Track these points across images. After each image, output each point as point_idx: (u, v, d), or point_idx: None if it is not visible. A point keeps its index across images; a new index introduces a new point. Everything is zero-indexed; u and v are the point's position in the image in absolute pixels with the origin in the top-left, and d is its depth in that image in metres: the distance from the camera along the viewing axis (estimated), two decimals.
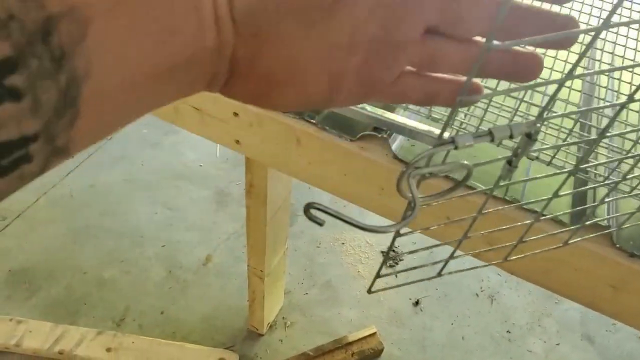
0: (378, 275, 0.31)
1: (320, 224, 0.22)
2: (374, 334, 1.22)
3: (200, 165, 1.65)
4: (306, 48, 0.21)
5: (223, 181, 1.60)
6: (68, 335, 1.15)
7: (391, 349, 1.23)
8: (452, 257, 0.36)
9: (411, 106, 0.59)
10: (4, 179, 0.15)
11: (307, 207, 0.22)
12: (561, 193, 0.28)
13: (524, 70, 0.24)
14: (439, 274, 0.39)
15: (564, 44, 0.24)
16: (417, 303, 1.33)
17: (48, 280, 1.30)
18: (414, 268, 0.33)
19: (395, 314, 1.30)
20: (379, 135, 0.58)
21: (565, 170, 0.33)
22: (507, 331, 1.30)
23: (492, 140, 0.21)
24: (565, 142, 0.50)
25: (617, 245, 0.51)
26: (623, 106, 0.23)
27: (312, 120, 0.59)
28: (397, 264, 1.41)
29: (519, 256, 0.37)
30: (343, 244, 1.45)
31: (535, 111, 0.58)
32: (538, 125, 0.22)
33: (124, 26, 0.16)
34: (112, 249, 1.39)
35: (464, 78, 0.25)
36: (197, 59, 0.19)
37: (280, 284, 1.20)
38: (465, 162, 0.23)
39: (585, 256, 0.52)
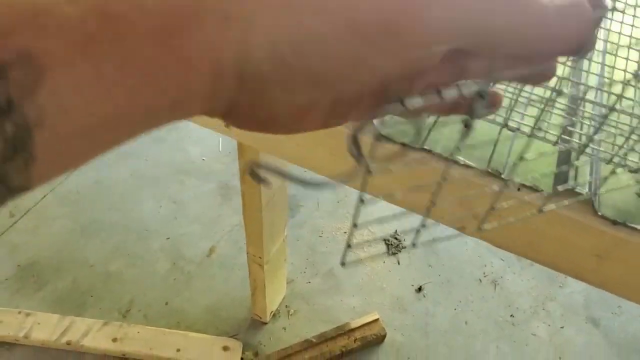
0: (348, 246, 0.31)
1: (266, 182, 0.23)
2: (377, 320, 1.23)
3: (204, 159, 1.67)
4: (315, 101, 0.20)
5: (226, 174, 1.61)
6: (75, 327, 1.17)
7: (394, 334, 1.24)
8: (423, 225, 0.37)
9: None
10: None
11: (251, 167, 0.22)
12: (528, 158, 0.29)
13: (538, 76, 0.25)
14: (413, 244, 0.39)
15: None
16: (419, 289, 1.34)
17: (56, 273, 1.32)
18: (379, 233, 0.33)
19: (397, 301, 1.31)
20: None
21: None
22: (511, 315, 1.30)
23: (441, 100, 0.21)
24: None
25: (600, 214, 0.51)
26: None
27: None
28: (399, 251, 1.42)
29: (494, 224, 0.37)
30: (345, 232, 1.46)
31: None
32: (490, 84, 0.22)
33: (90, 75, 0.14)
34: (117, 242, 1.41)
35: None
36: (180, 106, 0.17)
37: (282, 272, 1.21)
38: (416, 121, 0.23)
39: (567, 225, 0.52)
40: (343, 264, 0.32)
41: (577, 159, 0.47)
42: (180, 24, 0.15)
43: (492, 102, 0.23)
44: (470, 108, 0.23)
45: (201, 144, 1.72)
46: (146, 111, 0.16)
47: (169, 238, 1.42)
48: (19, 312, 1.19)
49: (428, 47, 0.19)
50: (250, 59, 0.17)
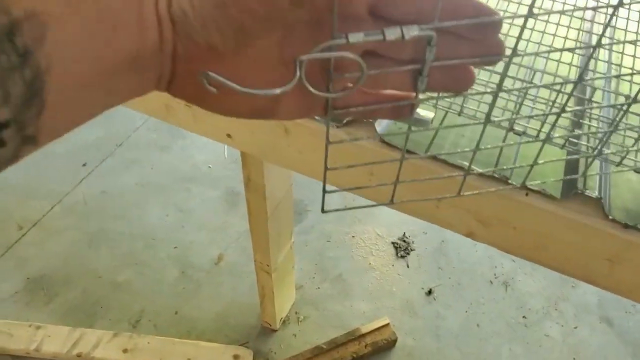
0: (325, 191, 0.31)
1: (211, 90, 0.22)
2: (387, 324, 1.22)
3: (210, 167, 1.67)
4: (240, 63, 0.22)
5: (232, 181, 1.61)
6: (85, 338, 1.17)
7: (405, 339, 1.23)
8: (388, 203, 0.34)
9: None
10: None
11: (203, 76, 0.22)
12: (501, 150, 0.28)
13: (458, 84, 0.25)
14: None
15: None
16: (430, 292, 1.32)
17: (65, 285, 1.33)
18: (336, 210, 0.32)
19: (408, 304, 1.30)
20: (365, 120, 0.57)
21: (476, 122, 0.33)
22: (523, 316, 1.29)
23: (383, 39, 0.21)
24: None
25: (610, 217, 0.50)
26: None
27: None
28: (408, 254, 1.40)
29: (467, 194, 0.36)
30: (353, 237, 1.45)
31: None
32: (432, 33, 0.21)
33: (76, 28, 0.18)
34: (126, 252, 1.41)
35: (402, 93, 0.26)
36: (141, 55, 0.20)
37: (290, 279, 1.20)
38: (352, 55, 0.22)
39: (578, 229, 0.51)
40: (323, 210, 0.31)
41: (589, 165, 0.46)
42: None
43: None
44: (423, 59, 0.23)
45: (207, 152, 1.71)
46: (118, 62, 0.20)
47: (176, 247, 1.42)
48: (30, 325, 1.19)
49: None
50: (176, 4, 0.20)
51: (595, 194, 0.51)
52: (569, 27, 0.66)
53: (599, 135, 0.54)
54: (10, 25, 0.16)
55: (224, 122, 0.66)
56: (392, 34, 0.21)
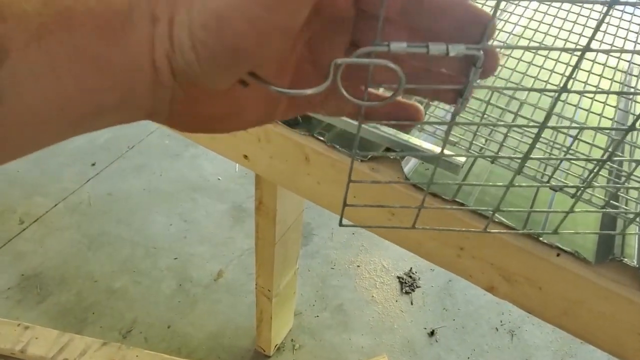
0: (345, 204, 0.28)
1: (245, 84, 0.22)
2: None
3: (219, 179, 1.64)
4: (241, 93, 0.22)
5: (240, 196, 1.58)
6: (73, 345, 1.13)
7: None
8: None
9: (426, 127, 0.56)
10: None
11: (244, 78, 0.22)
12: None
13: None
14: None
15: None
16: (432, 333, 1.27)
17: (59, 286, 1.29)
18: None
19: (408, 343, 1.25)
20: (391, 157, 0.54)
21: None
22: None
23: (427, 52, 0.20)
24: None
25: None
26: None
27: (321, 138, 0.56)
28: (413, 290, 1.36)
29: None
30: (358, 266, 1.41)
31: (561, 139, 0.54)
32: (480, 52, 0.20)
33: (40, 62, 0.16)
34: (125, 258, 1.38)
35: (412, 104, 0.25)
36: (125, 100, 0.19)
37: (290, 305, 1.16)
38: (393, 66, 0.20)
39: (611, 299, 0.47)
40: (341, 224, 0.30)
41: (626, 228, 0.43)
42: (120, 24, 0.17)
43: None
44: (467, 79, 0.22)
45: (217, 163, 1.69)
46: (95, 105, 0.18)
47: (176, 258, 1.39)
48: (18, 325, 1.15)
49: None
50: (177, 52, 0.18)
51: (633, 262, 0.47)
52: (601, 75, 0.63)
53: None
54: None
55: (241, 143, 0.63)
56: (436, 49, 0.20)
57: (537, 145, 0.51)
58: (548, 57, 0.63)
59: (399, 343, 1.25)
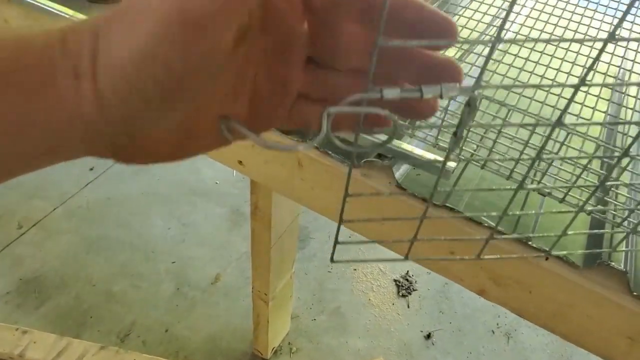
0: (337, 242, 0.29)
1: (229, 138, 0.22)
2: None
3: (217, 183, 1.65)
4: (190, 122, 0.21)
5: (239, 200, 1.59)
6: (71, 349, 1.14)
7: None
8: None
9: (418, 133, 0.57)
10: None
11: (222, 121, 0.22)
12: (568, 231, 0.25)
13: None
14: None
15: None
16: (429, 336, 1.28)
17: (58, 289, 1.30)
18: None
19: (405, 346, 1.26)
20: (383, 163, 0.55)
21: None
22: None
23: (421, 97, 0.20)
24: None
25: (635, 293, 0.47)
26: None
27: (314, 144, 0.57)
28: (409, 293, 1.37)
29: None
30: (355, 270, 1.42)
31: (553, 147, 0.55)
32: (475, 92, 0.20)
33: None
34: (123, 262, 1.38)
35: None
36: (61, 152, 0.19)
37: (287, 308, 1.17)
38: (388, 114, 0.20)
39: (599, 302, 0.48)
40: (332, 260, 0.30)
41: (620, 240, 0.44)
42: (43, 82, 0.17)
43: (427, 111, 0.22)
44: (460, 118, 0.22)
45: (216, 167, 1.70)
46: (23, 156, 0.19)
47: (175, 262, 1.39)
48: (17, 329, 1.16)
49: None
50: (106, 106, 0.18)
51: (621, 266, 0.48)
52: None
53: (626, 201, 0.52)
54: None
55: (236, 148, 0.64)
56: (430, 92, 0.20)
57: (525, 151, 0.52)
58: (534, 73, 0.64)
59: (396, 346, 1.26)
